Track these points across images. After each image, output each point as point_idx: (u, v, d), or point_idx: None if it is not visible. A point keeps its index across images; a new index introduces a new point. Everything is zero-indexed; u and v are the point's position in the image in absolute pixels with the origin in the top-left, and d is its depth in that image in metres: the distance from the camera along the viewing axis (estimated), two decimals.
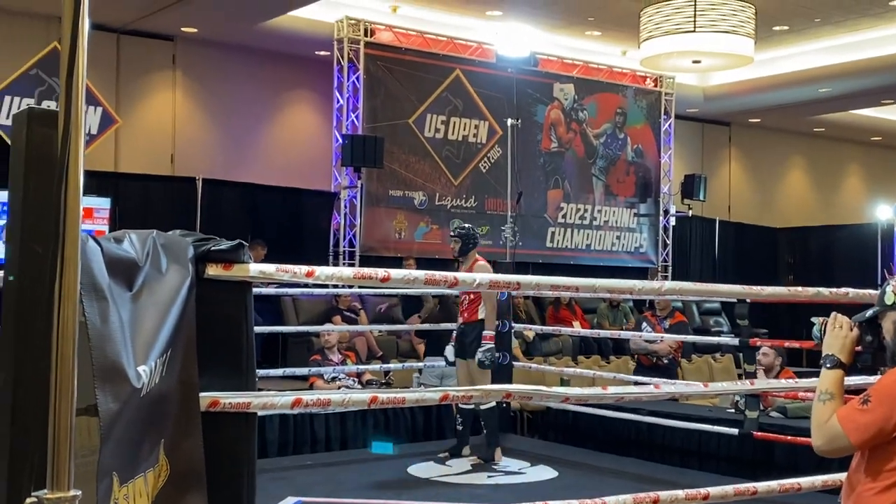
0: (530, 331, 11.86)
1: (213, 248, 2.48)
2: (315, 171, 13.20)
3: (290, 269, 2.73)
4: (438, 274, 2.81)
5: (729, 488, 4.19)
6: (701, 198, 15.43)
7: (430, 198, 13.31)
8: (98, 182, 11.10)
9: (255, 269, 2.56)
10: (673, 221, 15.96)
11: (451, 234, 7.73)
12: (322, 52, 13.11)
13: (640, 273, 15.39)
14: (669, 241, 15.98)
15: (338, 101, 12.74)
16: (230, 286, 2.53)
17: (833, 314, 2.80)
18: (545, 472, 7.22)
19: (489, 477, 7.04)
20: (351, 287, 11.01)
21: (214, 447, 2.41)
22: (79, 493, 1.46)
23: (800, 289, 4.70)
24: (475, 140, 13.70)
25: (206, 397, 2.45)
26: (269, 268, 2.67)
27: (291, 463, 7.46)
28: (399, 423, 8.43)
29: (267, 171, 13.17)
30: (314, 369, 8.74)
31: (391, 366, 9.42)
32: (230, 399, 2.50)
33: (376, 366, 9.30)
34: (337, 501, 6.05)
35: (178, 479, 2.21)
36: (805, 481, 4.11)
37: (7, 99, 8.88)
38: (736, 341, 6.78)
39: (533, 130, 14.37)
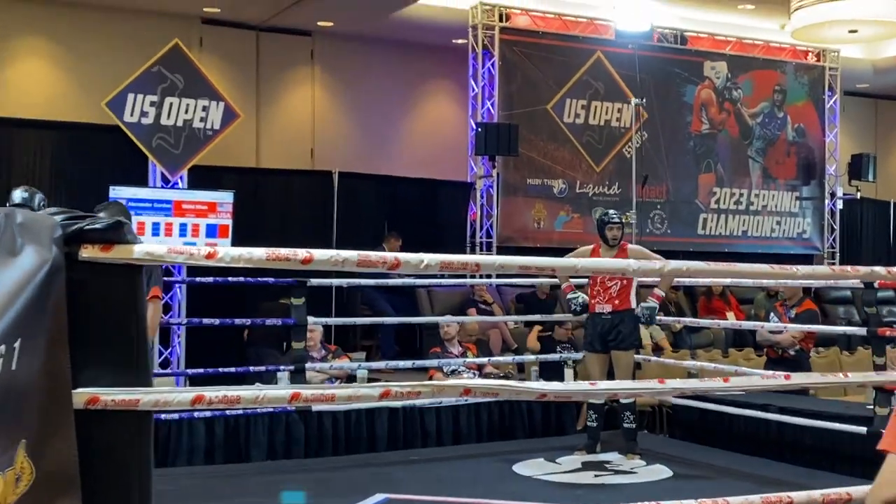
0: (678, 323, 11.32)
1: (86, 227, 2.25)
2: (452, 161, 12.97)
3: (185, 250, 2.46)
4: (374, 254, 2.49)
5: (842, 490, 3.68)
6: (870, 178, 14.36)
7: (570, 185, 12.87)
8: (237, 177, 11.26)
9: (140, 250, 2.29)
10: (840, 205, 14.89)
11: (616, 220, 7.37)
12: (459, 40, 12.88)
13: (805, 260, 14.44)
14: (836, 226, 14.93)
15: (473, 89, 12.49)
16: (115, 270, 2.29)
17: None
18: (659, 472, 6.76)
19: (596, 476, 6.65)
20: (474, 277, 10.79)
21: (97, 449, 2.19)
22: None
23: None
24: (618, 124, 13.15)
25: (82, 393, 2.21)
26: (159, 249, 2.39)
27: (397, 458, 7.30)
28: (515, 419, 8.13)
29: (405, 162, 13.06)
30: (434, 361, 8.56)
31: (501, 358, 9.08)
32: (113, 395, 2.25)
33: (482, 359, 8.85)
34: (422, 499, 5.81)
35: (46, 484, 2.01)
36: None
37: (131, 96, 9.06)
38: (863, 331, 6.12)
39: (682, 112, 13.71)
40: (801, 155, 14.67)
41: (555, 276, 8.32)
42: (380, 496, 5.95)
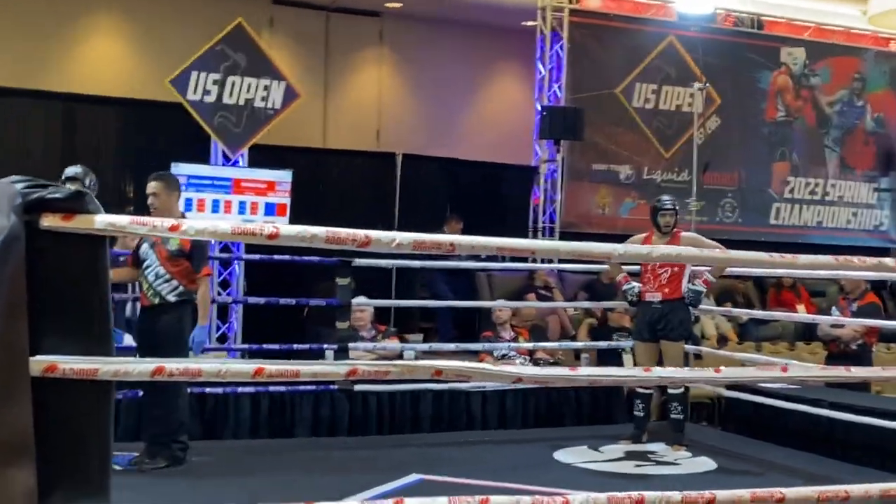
0: (742, 315, 11.11)
1: (47, 196, 2.24)
2: (517, 145, 12.86)
3: (149, 221, 2.44)
4: (343, 232, 2.43)
5: (874, 487, 3.52)
6: None
7: (637, 172, 12.65)
8: (301, 157, 11.35)
9: (101, 220, 2.28)
10: None
11: (668, 207, 7.21)
12: (528, 23, 12.74)
13: (881, 253, 13.98)
14: None
15: (540, 72, 12.34)
16: (77, 240, 2.29)
17: None
18: (703, 465, 6.63)
19: (637, 466, 6.55)
20: (534, 261, 10.69)
21: (54, 418, 2.19)
22: None
23: None
24: (689, 109, 12.85)
25: (40, 361, 2.21)
26: (122, 219, 2.38)
27: (440, 440, 7.29)
28: (562, 405, 8.05)
29: (469, 145, 12.97)
30: (485, 345, 8.53)
31: (549, 344, 8.96)
32: (71, 364, 2.25)
33: (528, 344, 8.72)
34: (456, 481, 5.77)
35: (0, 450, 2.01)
36: None
37: (194, 75, 9.15)
38: None
39: (756, 98, 13.35)
40: (881, 145, 14.17)
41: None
42: (415, 476, 5.95)
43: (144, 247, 5.97)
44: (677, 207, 7.28)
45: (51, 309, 2.24)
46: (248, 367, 2.45)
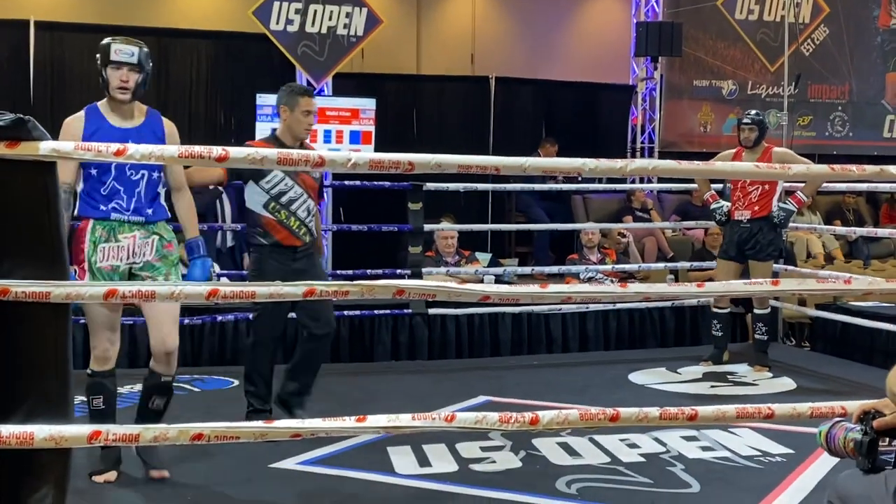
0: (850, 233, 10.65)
1: None
2: (613, 64, 12.52)
3: (94, 147, 2.45)
4: (295, 153, 2.40)
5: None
6: None
7: (740, 87, 12.23)
8: (396, 84, 11.35)
9: (46, 146, 2.31)
10: None
11: (746, 121, 6.99)
12: None
13: None
14: None
15: None
16: (25, 167, 2.33)
17: None
18: (782, 385, 6.47)
19: (712, 387, 6.43)
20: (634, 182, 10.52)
21: (11, 339, 2.26)
22: None
23: None
24: (796, 20, 12.32)
25: None
26: (66, 146, 2.41)
27: (517, 363, 7.31)
28: (645, 327, 7.94)
29: (565, 66, 12.69)
30: (567, 268, 8.45)
31: (628, 266, 8.77)
32: (23, 287, 2.30)
33: (604, 266, 8.49)
34: (519, 402, 5.79)
35: None
36: None
37: (276, 4, 9.18)
38: None
39: (868, 5, 12.69)
40: None
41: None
42: (481, 398, 6.00)
43: (278, 175, 4.99)
44: (760, 120, 6.97)
45: (2, 235, 2.32)
46: (202, 289, 2.46)
